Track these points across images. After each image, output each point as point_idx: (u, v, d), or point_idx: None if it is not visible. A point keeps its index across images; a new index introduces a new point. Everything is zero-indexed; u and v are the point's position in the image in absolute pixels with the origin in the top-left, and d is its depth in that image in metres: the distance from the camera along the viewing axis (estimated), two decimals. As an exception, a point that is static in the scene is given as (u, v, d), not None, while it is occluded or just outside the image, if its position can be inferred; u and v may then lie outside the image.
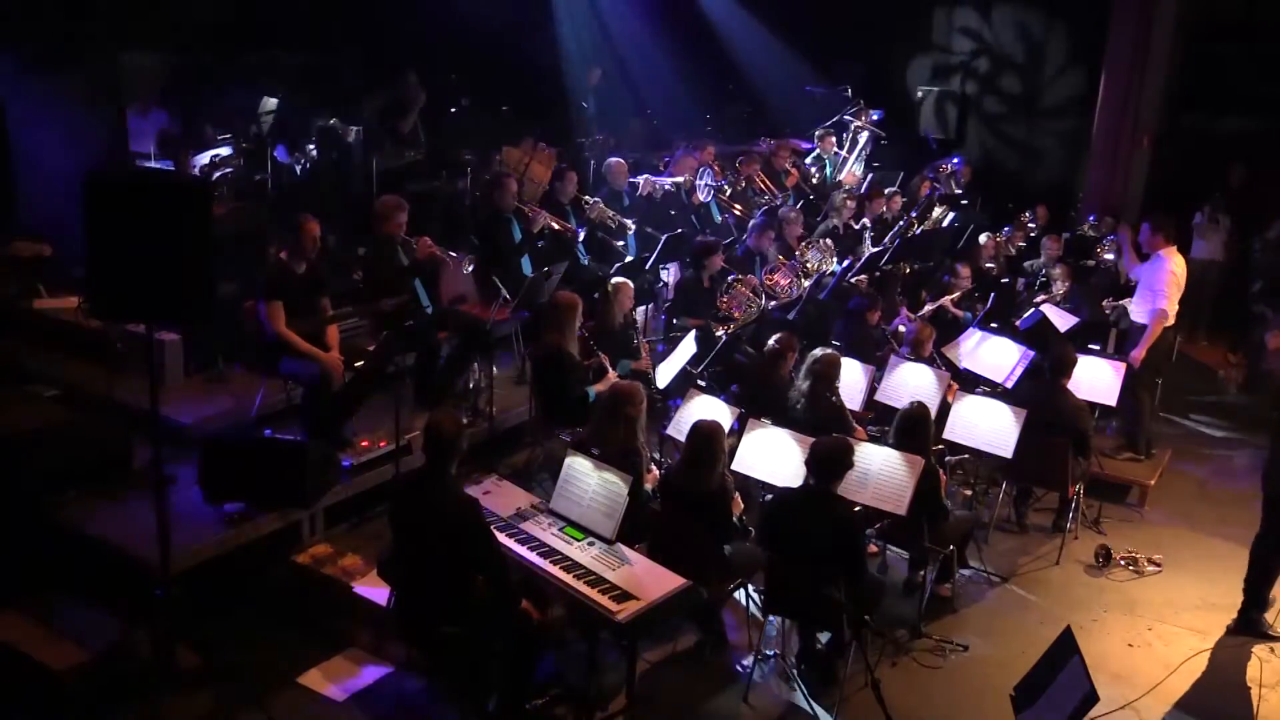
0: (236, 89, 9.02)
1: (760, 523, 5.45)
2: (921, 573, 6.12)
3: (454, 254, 7.16)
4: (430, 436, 4.67)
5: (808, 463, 5.23)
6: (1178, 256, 7.85)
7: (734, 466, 5.84)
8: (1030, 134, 13.53)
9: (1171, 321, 7.97)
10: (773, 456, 5.92)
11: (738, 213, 9.89)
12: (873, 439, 6.25)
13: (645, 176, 9.27)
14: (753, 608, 5.75)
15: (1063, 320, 8.62)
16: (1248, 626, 6.14)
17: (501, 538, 4.99)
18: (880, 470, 5.73)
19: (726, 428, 5.67)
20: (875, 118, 12.25)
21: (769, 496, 5.77)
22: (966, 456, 7.11)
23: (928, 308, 8.92)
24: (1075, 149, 13.06)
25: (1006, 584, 6.55)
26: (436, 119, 10.14)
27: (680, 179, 9.67)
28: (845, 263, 8.89)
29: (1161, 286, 7.72)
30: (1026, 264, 10.50)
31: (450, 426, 4.70)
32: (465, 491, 4.82)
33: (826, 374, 6.47)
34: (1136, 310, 8.01)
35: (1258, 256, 10.91)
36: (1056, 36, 13.15)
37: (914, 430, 5.96)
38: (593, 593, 4.68)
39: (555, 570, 4.84)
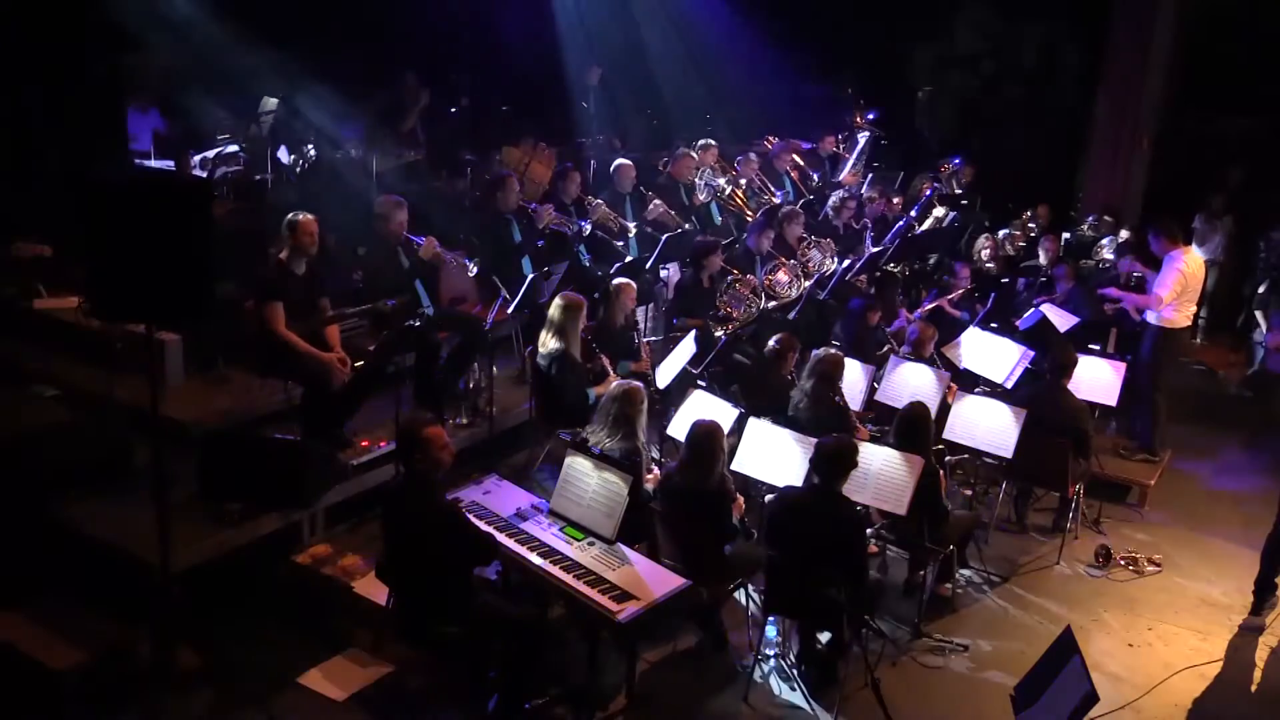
0: (237, 89, 9.01)
1: (764, 521, 5.45)
2: (921, 573, 6.12)
3: (460, 258, 7.16)
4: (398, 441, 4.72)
5: (812, 462, 5.23)
6: (1191, 255, 7.80)
7: (734, 466, 5.84)
8: (1030, 134, 13.52)
9: (1186, 324, 7.93)
10: (773, 456, 5.91)
11: (739, 206, 9.87)
12: (873, 439, 6.25)
13: (655, 203, 9.21)
14: (753, 608, 5.75)
15: (1063, 320, 8.62)
16: (1260, 609, 6.24)
17: (501, 538, 5.00)
18: (880, 470, 5.73)
19: (726, 428, 5.67)
20: (871, 116, 12.26)
21: (770, 496, 5.77)
22: (966, 456, 7.11)
23: (925, 307, 8.92)
24: (1075, 149, 13.05)
25: (1006, 584, 6.55)
26: (436, 119, 10.13)
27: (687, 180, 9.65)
28: (845, 263, 8.90)
29: (1168, 282, 7.70)
30: (1025, 264, 10.51)
31: (407, 424, 4.72)
32: (445, 499, 4.81)
33: (830, 374, 6.47)
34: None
35: (1262, 257, 10.90)
36: (1057, 36, 13.14)
37: (914, 430, 5.96)
38: (593, 593, 4.68)
39: (555, 570, 4.84)
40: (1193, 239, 11.04)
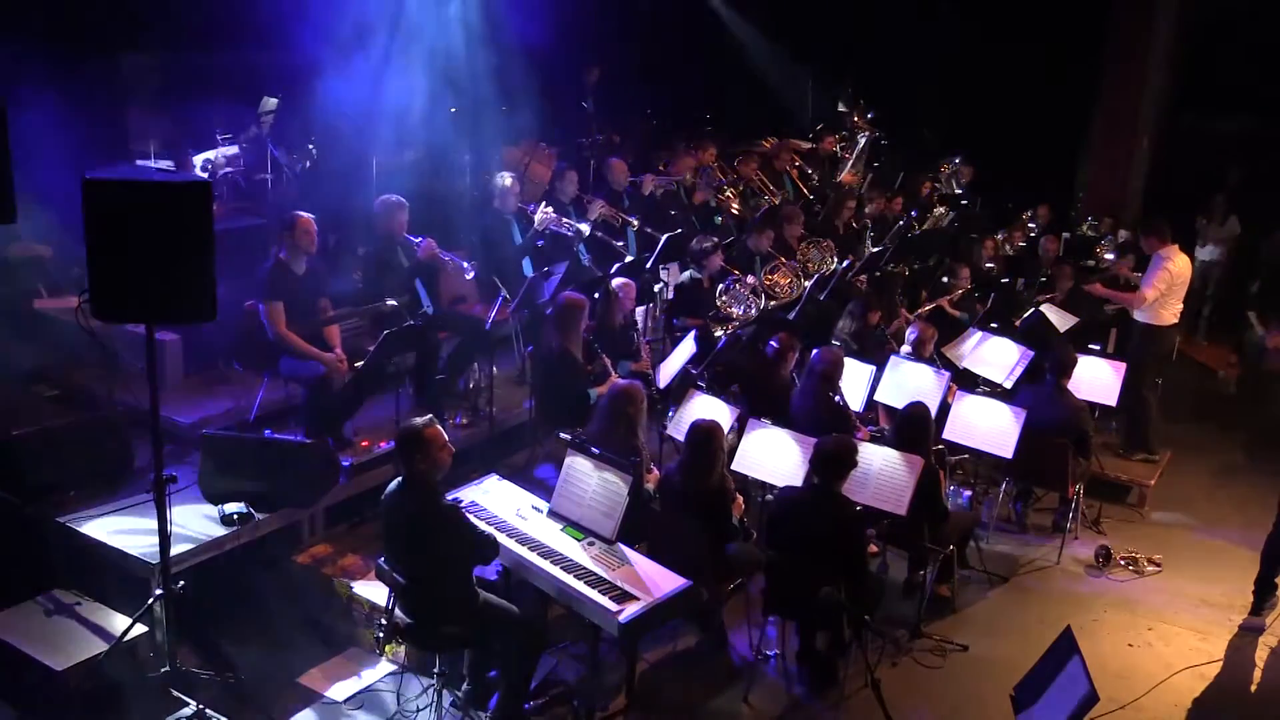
0: (236, 89, 9.00)
1: (765, 522, 5.45)
2: (921, 573, 6.12)
3: (462, 263, 7.16)
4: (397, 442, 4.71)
5: (812, 462, 5.23)
6: (1179, 256, 7.86)
7: (734, 466, 5.84)
8: (1029, 134, 13.50)
9: (1173, 322, 7.97)
10: (773, 456, 5.92)
11: (735, 211, 9.90)
12: (873, 439, 6.25)
13: (648, 176, 9.28)
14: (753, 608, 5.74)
15: (1063, 320, 8.63)
16: (1260, 609, 6.23)
17: (501, 538, 5.00)
18: (880, 470, 5.73)
19: (726, 428, 5.67)
20: (869, 116, 12.27)
21: (769, 496, 5.76)
22: (966, 456, 7.12)
23: (925, 308, 8.93)
24: (1075, 149, 13.04)
25: (1006, 584, 6.55)
26: (436, 119, 10.12)
27: (682, 177, 9.67)
28: (845, 263, 8.90)
29: (1153, 280, 7.77)
30: (1025, 264, 10.51)
31: (407, 425, 4.71)
32: (445, 500, 4.80)
33: (830, 374, 6.47)
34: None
35: (1263, 258, 10.92)
36: (1055, 35, 13.12)
37: (914, 430, 5.96)
38: (593, 593, 4.68)
39: (555, 570, 4.83)
40: (1196, 239, 11.07)
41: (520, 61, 10.59)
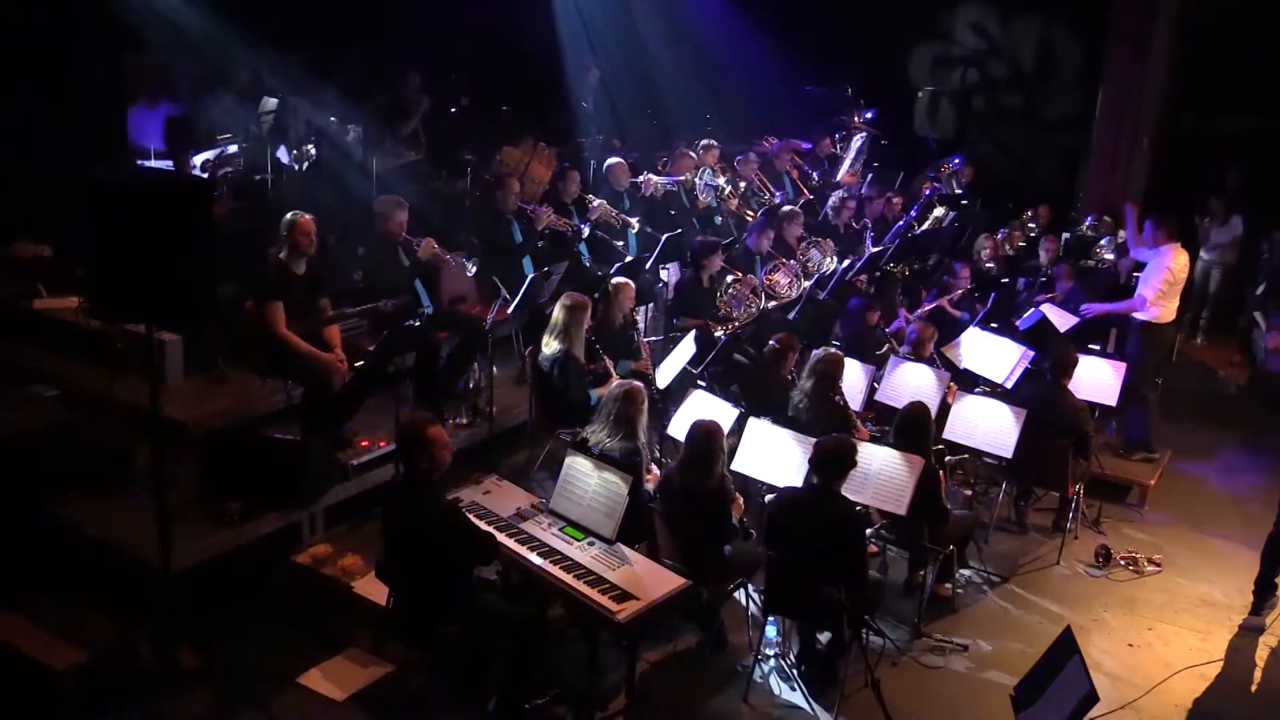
0: (238, 89, 9.00)
1: (764, 521, 5.45)
2: (921, 573, 6.12)
3: (463, 259, 7.16)
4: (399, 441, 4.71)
5: (811, 461, 5.23)
6: (1180, 254, 7.87)
7: (734, 466, 5.84)
8: (1030, 134, 13.52)
9: (1171, 319, 7.98)
10: (773, 456, 5.91)
11: (734, 210, 9.90)
12: (873, 439, 6.25)
13: (647, 175, 9.28)
14: (753, 608, 5.74)
15: (1063, 320, 8.63)
16: (1260, 609, 6.22)
17: (501, 538, 5.00)
18: (880, 470, 5.73)
19: (726, 428, 5.67)
20: (869, 116, 12.26)
21: (769, 496, 5.76)
22: (966, 456, 7.11)
23: (925, 308, 8.93)
24: (1075, 149, 13.04)
25: (1006, 584, 6.55)
26: (436, 119, 10.13)
27: (682, 178, 9.69)
28: (845, 263, 8.90)
29: (1155, 281, 7.77)
30: (1025, 264, 10.50)
31: (409, 424, 4.71)
32: (446, 499, 4.80)
33: (830, 374, 6.47)
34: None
35: (1265, 259, 10.92)
36: (1057, 35, 13.14)
37: (914, 430, 5.96)
38: (593, 593, 4.68)
39: (555, 570, 4.84)
40: (1200, 240, 11.07)
41: (521, 61, 10.64)
